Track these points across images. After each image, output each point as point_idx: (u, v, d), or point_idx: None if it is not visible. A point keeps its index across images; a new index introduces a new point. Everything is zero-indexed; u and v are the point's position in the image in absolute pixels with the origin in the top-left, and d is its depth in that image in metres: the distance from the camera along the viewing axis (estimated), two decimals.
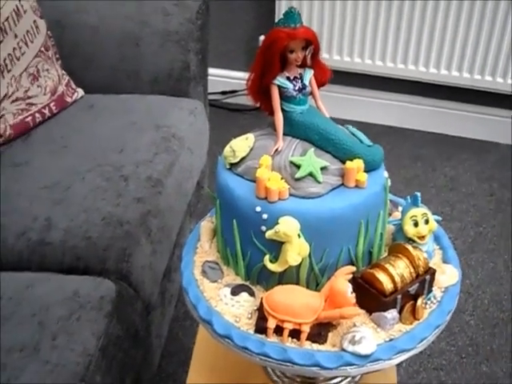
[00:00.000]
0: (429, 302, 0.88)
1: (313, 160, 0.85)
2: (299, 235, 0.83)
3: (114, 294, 1.09)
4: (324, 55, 2.23)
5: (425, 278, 0.86)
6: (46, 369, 0.96)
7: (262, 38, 2.33)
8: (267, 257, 0.86)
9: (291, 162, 0.86)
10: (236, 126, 2.30)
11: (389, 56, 2.18)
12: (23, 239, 1.19)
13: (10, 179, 1.33)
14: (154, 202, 1.29)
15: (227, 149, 0.90)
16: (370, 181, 0.87)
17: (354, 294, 0.82)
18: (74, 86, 1.60)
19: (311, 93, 0.89)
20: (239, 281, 0.91)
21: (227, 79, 2.42)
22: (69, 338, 1.00)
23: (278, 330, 0.83)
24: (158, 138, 1.45)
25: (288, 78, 0.87)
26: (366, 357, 0.81)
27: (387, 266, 0.84)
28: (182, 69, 1.61)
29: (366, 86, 2.34)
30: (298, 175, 0.84)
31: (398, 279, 0.84)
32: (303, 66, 0.88)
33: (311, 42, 0.84)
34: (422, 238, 0.92)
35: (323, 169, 0.85)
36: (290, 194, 0.85)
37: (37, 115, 1.49)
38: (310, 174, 0.84)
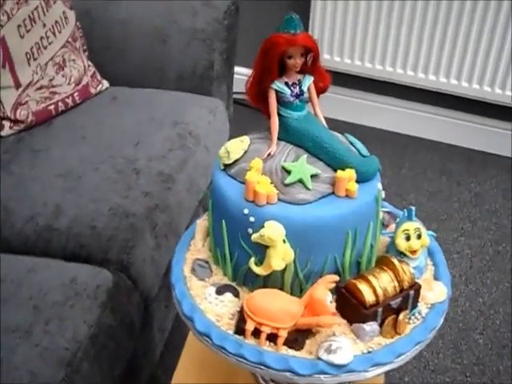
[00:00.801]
0: (413, 318, 0.87)
1: (304, 167, 0.85)
2: (284, 240, 0.83)
3: (110, 284, 1.11)
4: (356, 62, 2.23)
5: (409, 293, 0.85)
6: (35, 351, 0.98)
7: None
8: (253, 259, 0.86)
9: (282, 167, 0.86)
10: (263, 125, 2.30)
11: (420, 66, 2.15)
12: (31, 224, 1.23)
13: (26, 165, 1.36)
14: (162, 196, 1.31)
15: (222, 149, 0.90)
16: (362, 191, 0.87)
17: (333, 303, 0.82)
18: (99, 78, 1.63)
19: (310, 99, 0.89)
20: (226, 281, 0.92)
21: None
22: (60, 324, 1.03)
23: (257, 333, 0.84)
24: (174, 134, 1.46)
25: (286, 84, 0.87)
26: (340, 367, 0.80)
27: (370, 277, 0.84)
28: (206, 68, 1.63)
29: (396, 95, 2.32)
30: (287, 181, 0.85)
31: (380, 292, 0.84)
32: (303, 72, 0.88)
33: (311, 49, 0.84)
34: (413, 252, 0.91)
35: (314, 176, 0.85)
36: (279, 199, 0.85)
37: (60, 104, 1.53)
38: (300, 181, 0.85)
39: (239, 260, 0.89)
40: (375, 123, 2.37)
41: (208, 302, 0.89)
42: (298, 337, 0.83)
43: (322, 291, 0.82)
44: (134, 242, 1.21)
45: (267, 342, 0.83)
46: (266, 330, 0.82)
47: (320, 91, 0.91)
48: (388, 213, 1.03)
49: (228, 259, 0.90)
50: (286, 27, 0.83)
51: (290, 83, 0.87)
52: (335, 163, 0.87)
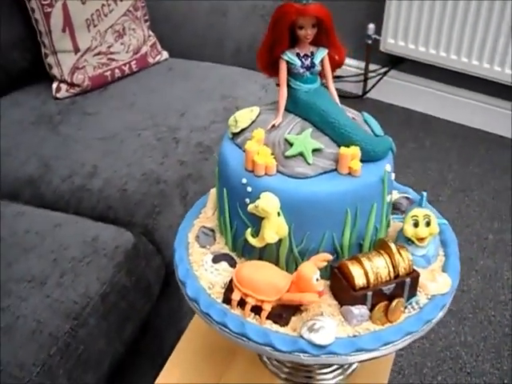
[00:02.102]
0: (409, 307, 0.84)
1: (307, 140, 0.83)
2: (279, 213, 0.81)
3: (129, 246, 1.14)
4: (431, 51, 2.14)
5: (404, 281, 0.82)
6: (45, 302, 1.02)
7: (371, 26, 2.27)
8: (249, 230, 0.85)
9: (285, 140, 0.84)
10: None
11: (498, 60, 2.05)
12: (68, 182, 1.27)
13: (74, 126, 1.41)
14: (197, 166, 1.32)
15: (231, 118, 0.90)
16: (367, 171, 0.83)
17: (320, 281, 0.80)
18: (159, 49, 1.66)
19: (323, 73, 0.87)
20: (226, 250, 0.92)
21: None
22: (74, 279, 1.06)
23: (244, 304, 0.83)
24: (221, 107, 1.47)
25: (298, 55, 0.84)
26: (320, 347, 0.78)
27: (363, 259, 0.81)
28: None
29: (472, 88, 2.22)
30: (287, 153, 0.83)
31: (371, 275, 0.80)
32: (318, 44, 0.85)
33: (322, 20, 0.82)
34: (420, 240, 0.87)
35: (317, 151, 0.83)
36: (278, 171, 0.83)
37: (116, 71, 1.57)
38: (301, 154, 0.83)
39: (238, 230, 0.88)
40: (447, 115, 2.28)
41: (204, 269, 0.89)
42: (283, 312, 0.81)
43: (310, 268, 0.79)
44: (161, 208, 1.23)
45: (252, 315, 0.82)
46: (250, 302, 0.81)
47: (335, 65, 0.88)
48: (407, 198, 0.99)
49: (228, 229, 0.90)
50: None
51: (301, 54, 0.85)
52: (340, 139, 0.84)
